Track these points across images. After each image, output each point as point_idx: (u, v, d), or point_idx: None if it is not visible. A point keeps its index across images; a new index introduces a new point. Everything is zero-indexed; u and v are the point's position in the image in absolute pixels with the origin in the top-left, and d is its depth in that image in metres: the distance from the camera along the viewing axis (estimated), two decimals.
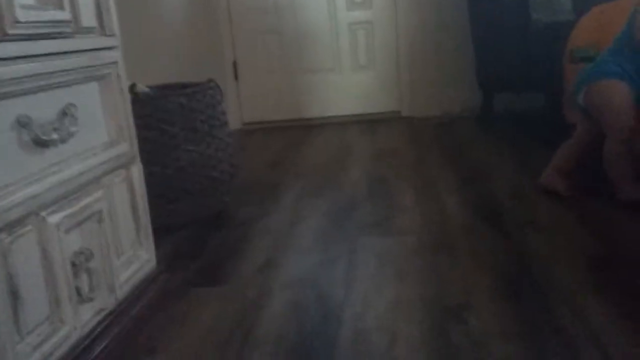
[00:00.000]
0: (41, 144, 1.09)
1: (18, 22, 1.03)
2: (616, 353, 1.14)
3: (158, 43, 3.12)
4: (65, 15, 1.19)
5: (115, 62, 1.39)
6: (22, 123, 1.04)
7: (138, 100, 1.94)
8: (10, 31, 1.02)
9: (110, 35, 1.37)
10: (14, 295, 0.99)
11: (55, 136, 1.13)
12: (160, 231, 1.85)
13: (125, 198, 1.41)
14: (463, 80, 3.71)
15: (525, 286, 1.45)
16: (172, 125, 1.95)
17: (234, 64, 3.94)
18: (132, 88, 2.04)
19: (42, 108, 1.11)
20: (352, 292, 1.47)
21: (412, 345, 1.22)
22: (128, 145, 1.44)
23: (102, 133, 1.34)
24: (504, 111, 3.64)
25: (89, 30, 1.29)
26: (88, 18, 1.28)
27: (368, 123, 3.80)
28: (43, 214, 1.08)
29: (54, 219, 1.11)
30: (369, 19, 3.86)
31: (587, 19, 2.50)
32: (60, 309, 1.12)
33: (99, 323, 1.26)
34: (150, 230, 1.52)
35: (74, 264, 1.17)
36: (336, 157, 2.98)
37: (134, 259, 1.44)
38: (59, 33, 1.17)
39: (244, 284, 1.58)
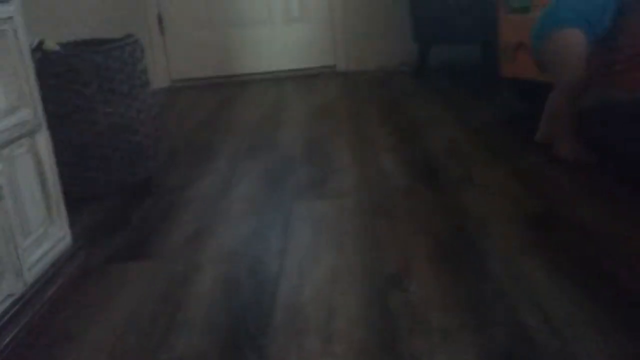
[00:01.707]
0: None
1: None
2: (559, 315, 1.12)
3: None
4: None
5: (10, 18, 1.22)
6: None
7: (47, 59, 1.76)
8: None
9: None
10: None
11: None
12: (78, 203, 1.71)
13: (30, 171, 1.27)
14: (398, 33, 3.62)
15: (462, 249, 1.41)
16: (86, 86, 1.78)
17: (159, 17, 3.70)
18: (39, 46, 1.85)
19: None
20: (287, 264, 1.40)
21: (351, 318, 1.16)
22: (31, 112, 1.28)
23: None
24: (439, 64, 3.59)
25: None
26: None
27: (302, 78, 3.67)
28: None
29: None
30: None
31: None
32: None
33: (6, 311, 1.14)
34: (62, 205, 1.38)
35: None
36: (270, 115, 2.87)
37: (45, 238, 1.31)
38: None
39: (171, 259, 1.47)
